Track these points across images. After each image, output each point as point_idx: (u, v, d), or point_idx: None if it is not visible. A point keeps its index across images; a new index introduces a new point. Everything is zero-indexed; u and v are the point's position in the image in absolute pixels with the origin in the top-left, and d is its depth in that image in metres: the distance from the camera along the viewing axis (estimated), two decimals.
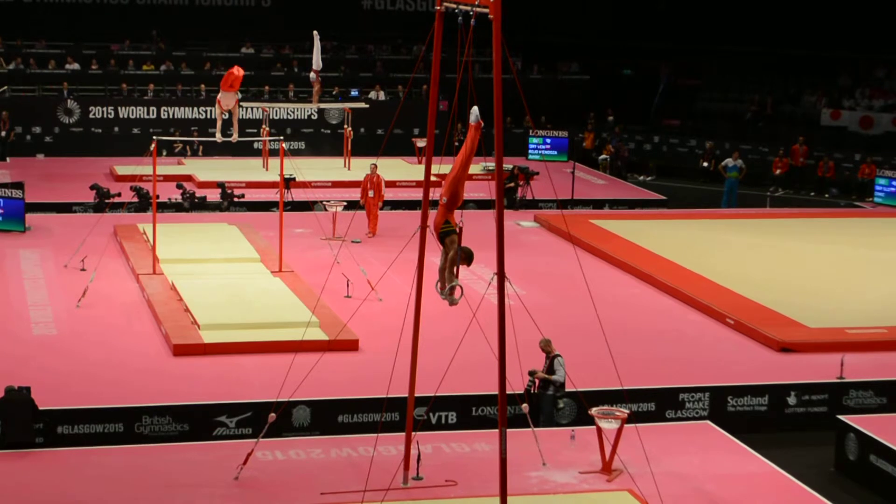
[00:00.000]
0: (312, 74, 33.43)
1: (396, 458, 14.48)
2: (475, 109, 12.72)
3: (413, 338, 13.83)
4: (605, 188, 35.02)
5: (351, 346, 19.05)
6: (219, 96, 26.05)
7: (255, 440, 14.85)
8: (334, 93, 38.91)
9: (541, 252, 26.21)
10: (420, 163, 35.05)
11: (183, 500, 13.86)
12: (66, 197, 30.47)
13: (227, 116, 26.14)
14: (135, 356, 18.72)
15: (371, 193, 26.90)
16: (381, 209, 27.47)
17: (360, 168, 28.33)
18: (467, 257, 12.97)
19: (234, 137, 26.09)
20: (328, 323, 19.50)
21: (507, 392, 12.46)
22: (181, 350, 18.82)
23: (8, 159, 35.68)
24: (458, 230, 12.86)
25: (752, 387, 18.06)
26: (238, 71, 25.90)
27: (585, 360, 17.60)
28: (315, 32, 32.92)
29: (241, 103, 37.26)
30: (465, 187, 13.00)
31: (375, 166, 26.98)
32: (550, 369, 16.68)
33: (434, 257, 13.41)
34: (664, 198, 33.84)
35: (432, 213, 13.23)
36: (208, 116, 37.94)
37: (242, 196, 30.28)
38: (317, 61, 33.01)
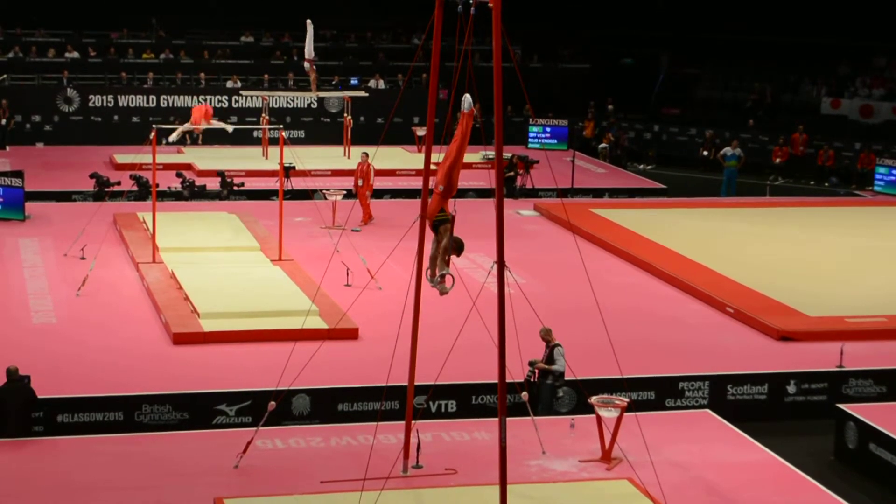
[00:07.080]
0: (307, 63, 33.58)
1: (396, 447, 14.48)
2: (467, 97, 12.69)
3: (413, 326, 13.80)
4: (604, 177, 35.00)
5: (351, 334, 19.04)
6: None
7: (255, 429, 14.84)
8: (334, 81, 38.88)
9: (540, 241, 26.20)
10: (420, 151, 35.05)
11: (183, 489, 13.85)
12: (65, 185, 30.46)
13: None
14: (135, 344, 18.72)
15: (361, 183, 26.98)
16: (372, 198, 27.44)
17: (359, 157, 28.31)
18: (458, 247, 12.92)
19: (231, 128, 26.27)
20: (328, 311, 19.49)
21: (507, 381, 12.47)
22: (181, 338, 18.82)
23: (7, 148, 35.67)
24: (451, 218, 12.83)
25: (751, 375, 18.05)
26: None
27: (585, 349, 17.60)
28: (308, 21, 32.93)
29: (242, 92, 37.40)
30: (459, 175, 12.97)
31: (366, 155, 26.96)
32: (550, 359, 16.68)
33: None
34: (664, 186, 33.83)
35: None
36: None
37: (242, 185, 30.26)
38: (309, 50, 33.28)
